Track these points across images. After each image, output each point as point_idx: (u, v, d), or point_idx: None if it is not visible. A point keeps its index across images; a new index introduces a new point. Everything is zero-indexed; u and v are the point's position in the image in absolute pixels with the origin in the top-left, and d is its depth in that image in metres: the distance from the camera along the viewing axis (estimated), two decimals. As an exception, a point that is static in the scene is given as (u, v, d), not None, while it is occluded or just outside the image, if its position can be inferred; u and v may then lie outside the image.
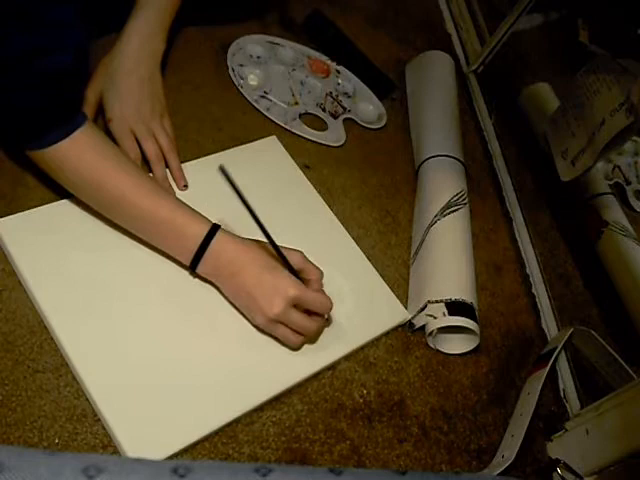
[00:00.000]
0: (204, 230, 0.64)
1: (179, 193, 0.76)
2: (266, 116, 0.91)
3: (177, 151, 0.77)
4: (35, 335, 0.62)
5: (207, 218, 0.66)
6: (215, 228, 0.65)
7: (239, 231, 0.75)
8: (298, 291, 0.64)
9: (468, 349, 0.78)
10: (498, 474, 0.67)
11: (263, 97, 0.93)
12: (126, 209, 0.64)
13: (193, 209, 0.66)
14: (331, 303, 0.67)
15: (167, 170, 0.76)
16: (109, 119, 0.74)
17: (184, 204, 0.66)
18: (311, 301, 0.65)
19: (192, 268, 0.66)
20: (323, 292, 0.68)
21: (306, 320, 0.66)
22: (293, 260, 0.67)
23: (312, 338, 0.69)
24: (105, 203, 0.65)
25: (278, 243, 0.66)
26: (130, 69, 0.75)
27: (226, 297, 0.68)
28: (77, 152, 0.62)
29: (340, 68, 1.04)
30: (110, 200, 0.64)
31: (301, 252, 0.68)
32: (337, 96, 1.00)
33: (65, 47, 0.60)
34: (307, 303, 0.65)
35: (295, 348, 0.68)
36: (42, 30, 0.57)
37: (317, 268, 0.69)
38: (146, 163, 0.75)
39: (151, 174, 0.75)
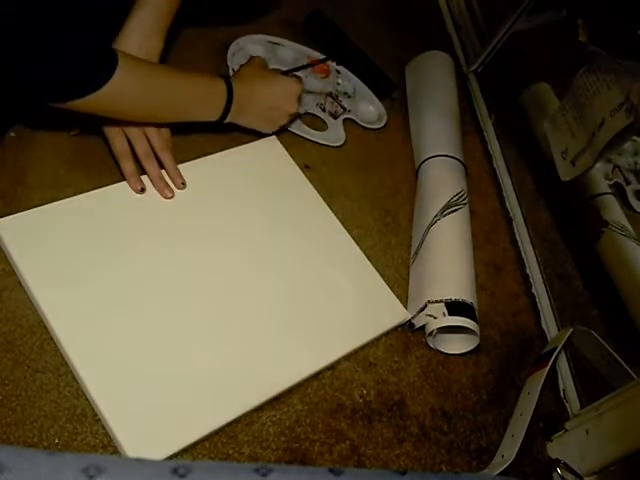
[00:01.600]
0: (224, 87, 0.76)
1: (177, 192, 0.76)
2: (266, 116, 0.91)
3: (171, 151, 0.77)
4: (35, 335, 0.62)
5: (217, 75, 0.77)
6: (229, 82, 0.76)
7: (239, 231, 0.75)
8: (300, 84, 0.84)
9: (468, 349, 0.78)
10: (498, 474, 0.67)
11: (263, 97, 0.93)
12: (167, 107, 0.73)
13: (206, 74, 0.76)
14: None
15: (163, 170, 0.77)
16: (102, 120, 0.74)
17: (197, 73, 0.75)
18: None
19: (221, 120, 0.79)
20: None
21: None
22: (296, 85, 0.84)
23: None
24: (153, 105, 0.71)
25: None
26: None
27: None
28: (120, 92, 0.65)
29: (340, 68, 1.04)
30: (157, 108, 0.72)
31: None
32: (337, 96, 1.00)
33: None
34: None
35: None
36: None
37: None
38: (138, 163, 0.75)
39: (145, 175, 0.75)
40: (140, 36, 0.75)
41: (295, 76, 0.86)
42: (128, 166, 0.73)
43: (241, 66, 0.84)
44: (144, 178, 0.74)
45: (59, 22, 0.59)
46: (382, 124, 1.01)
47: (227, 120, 0.79)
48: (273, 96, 0.82)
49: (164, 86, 0.71)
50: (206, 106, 0.77)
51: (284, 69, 0.88)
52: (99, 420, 0.59)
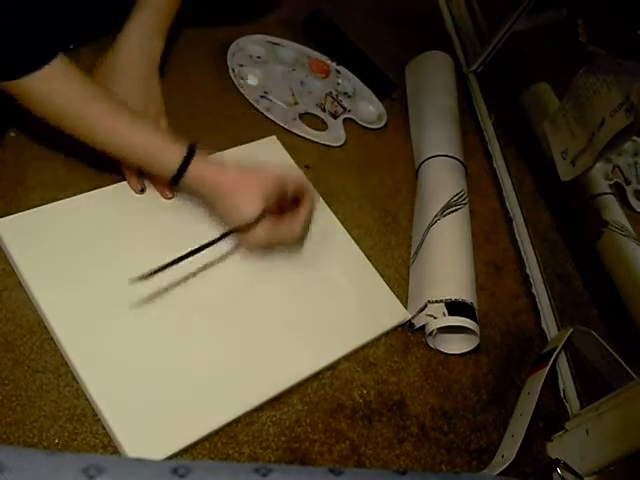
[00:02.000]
0: (180, 155, 0.65)
1: (178, 193, 0.76)
2: (266, 116, 0.91)
3: None
4: (35, 335, 0.62)
5: (185, 142, 0.66)
6: (191, 152, 0.66)
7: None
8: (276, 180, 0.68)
9: (468, 349, 0.78)
10: (498, 474, 0.67)
11: (263, 97, 0.93)
12: (103, 138, 0.65)
13: (171, 135, 0.67)
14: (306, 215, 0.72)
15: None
16: None
17: (162, 131, 0.68)
18: (291, 182, 0.69)
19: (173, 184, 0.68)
20: (309, 195, 0.72)
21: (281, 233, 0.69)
22: (270, 179, 0.68)
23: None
24: (82, 133, 0.65)
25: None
26: (126, 70, 0.75)
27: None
28: (52, 83, 0.62)
29: (340, 68, 1.04)
30: (87, 130, 0.65)
31: (276, 167, 0.70)
32: (337, 96, 1.00)
33: None
34: (288, 185, 0.68)
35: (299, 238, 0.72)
36: None
37: (295, 173, 0.73)
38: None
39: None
40: (140, 37, 0.75)
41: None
42: (128, 166, 0.73)
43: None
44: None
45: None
46: (382, 124, 1.01)
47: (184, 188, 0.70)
48: (239, 183, 0.67)
49: (102, 113, 0.64)
50: (148, 165, 0.68)
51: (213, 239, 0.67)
52: (99, 420, 0.59)
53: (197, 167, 0.66)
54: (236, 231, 0.67)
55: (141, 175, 0.74)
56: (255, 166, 0.68)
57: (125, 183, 0.73)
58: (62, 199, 0.69)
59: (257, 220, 0.66)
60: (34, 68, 0.61)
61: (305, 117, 0.95)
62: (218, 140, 0.85)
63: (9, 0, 0.58)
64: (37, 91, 0.62)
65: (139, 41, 0.75)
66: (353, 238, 0.82)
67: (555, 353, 0.78)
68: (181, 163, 0.65)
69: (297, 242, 0.71)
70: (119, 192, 0.72)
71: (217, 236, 0.66)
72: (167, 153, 0.66)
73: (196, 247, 0.64)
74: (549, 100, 1.15)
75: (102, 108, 0.64)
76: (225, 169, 0.67)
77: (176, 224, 0.73)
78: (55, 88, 0.63)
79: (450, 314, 0.75)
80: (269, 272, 0.74)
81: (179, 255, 0.63)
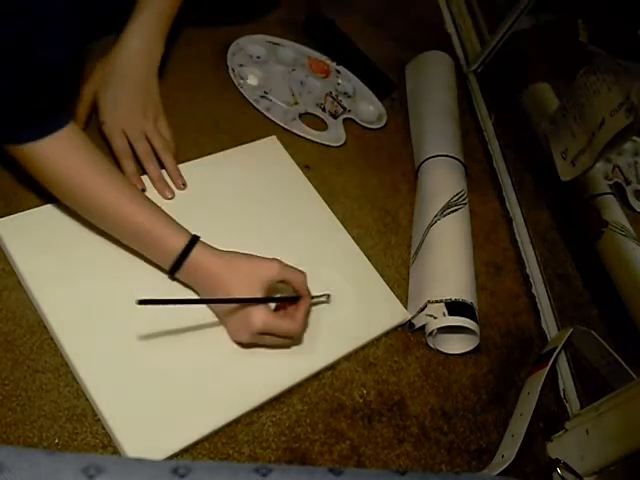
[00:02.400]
0: (182, 243, 0.63)
1: (178, 192, 0.76)
2: (266, 116, 0.91)
3: (173, 152, 0.77)
4: (35, 335, 0.62)
5: (187, 230, 0.65)
6: (194, 241, 0.64)
7: (239, 231, 0.75)
8: (264, 324, 0.63)
9: (468, 349, 0.78)
10: (498, 474, 0.67)
11: (263, 97, 0.93)
12: (104, 215, 0.63)
13: (174, 220, 0.65)
14: (300, 326, 0.66)
15: (164, 171, 0.76)
16: (102, 121, 0.74)
17: (165, 215, 0.65)
18: (276, 330, 0.64)
19: (171, 274, 0.66)
20: (305, 300, 0.67)
21: (276, 340, 0.65)
22: (270, 274, 0.65)
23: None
24: (83, 207, 0.64)
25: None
26: (126, 72, 0.75)
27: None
28: (56, 152, 0.61)
29: (340, 68, 1.04)
30: (88, 204, 0.63)
31: (277, 261, 0.66)
32: (337, 96, 1.00)
33: (59, 43, 0.59)
34: (273, 331, 0.64)
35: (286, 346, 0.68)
36: (39, 23, 0.56)
37: (298, 272, 0.67)
38: (139, 164, 0.75)
39: (144, 175, 0.75)
40: (140, 39, 0.75)
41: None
42: (129, 166, 0.73)
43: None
44: (144, 178, 0.74)
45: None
46: (382, 124, 1.01)
47: (180, 278, 0.67)
48: (230, 310, 0.64)
49: (105, 191, 0.62)
50: (148, 249, 0.65)
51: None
52: (99, 420, 0.59)
53: (198, 254, 0.64)
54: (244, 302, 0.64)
55: (142, 175, 0.74)
56: (252, 257, 0.66)
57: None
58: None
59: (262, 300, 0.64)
60: (47, 132, 0.59)
61: (305, 117, 0.95)
62: (218, 140, 0.85)
63: (25, 63, 0.56)
64: (45, 158, 0.60)
65: (139, 43, 0.75)
66: (353, 238, 0.82)
67: (555, 353, 0.78)
68: (182, 250, 0.63)
69: (296, 336, 0.68)
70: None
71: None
72: (170, 239, 0.63)
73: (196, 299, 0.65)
74: (549, 100, 1.15)
75: (109, 182, 0.62)
76: (226, 260, 0.64)
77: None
78: (64, 157, 0.61)
79: (450, 314, 0.75)
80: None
81: (182, 299, 0.62)
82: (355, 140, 0.97)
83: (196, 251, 0.63)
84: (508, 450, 0.70)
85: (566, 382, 0.81)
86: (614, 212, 1.01)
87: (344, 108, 0.99)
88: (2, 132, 0.60)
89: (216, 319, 0.67)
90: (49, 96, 0.61)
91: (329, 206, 0.84)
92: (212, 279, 0.64)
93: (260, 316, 0.63)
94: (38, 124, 0.59)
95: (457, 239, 0.84)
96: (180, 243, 0.63)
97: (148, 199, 0.65)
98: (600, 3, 0.90)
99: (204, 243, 0.65)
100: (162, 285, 0.67)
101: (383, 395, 0.72)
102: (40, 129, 0.59)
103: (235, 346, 0.66)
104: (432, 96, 1.04)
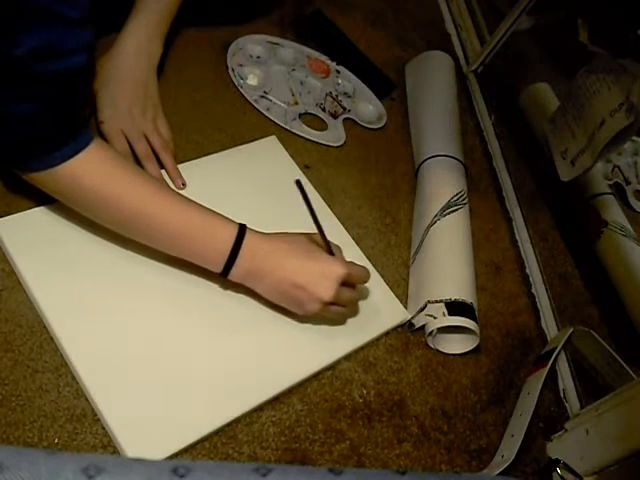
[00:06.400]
0: (233, 232, 0.63)
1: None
2: (266, 116, 0.91)
3: (172, 152, 0.77)
4: (35, 335, 0.62)
5: (231, 219, 0.64)
6: (243, 228, 0.64)
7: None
8: (345, 269, 0.65)
9: (468, 349, 0.78)
10: (498, 474, 0.67)
11: (263, 97, 0.93)
12: (148, 222, 0.61)
13: (217, 212, 0.64)
14: (368, 271, 0.71)
15: (164, 171, 0.76)
16: (101, 121, 0.74)
17: (208, 208, 0.64)
18: (356, 274, 0.68)
19: (224, 274, 0.64)
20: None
21: (354, 292, 0.69)
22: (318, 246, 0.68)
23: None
24: (124, 219, 0.61)
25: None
26: (125, 73, 0.75)
27: (261, 298, 0.68)
28: (91, 167, 0.58)
29: (340, 68, 1.04)
30: (130, 215, 0.61)
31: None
32: (337, 96, 1.00)
33: (79, 47, 0.54)
34: (352, 277, 0.67)
35: (342, 322, 0.72)
36: (56, 28, 0.51)
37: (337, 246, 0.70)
38: (138, 164, 0.75)
39: None
40: (139, 39, 0.75)
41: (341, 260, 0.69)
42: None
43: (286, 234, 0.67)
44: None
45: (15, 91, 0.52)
46: (382, 124, 1.01)
47: (234, 278, 0.65)
48: (305, 274, 0.64)
49: (141, 197, 0.60)
50: (199, 246, 0.63)
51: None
52: (99, 420, 0.59)
53: (252, 239, 0.63)
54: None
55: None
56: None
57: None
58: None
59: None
60: (80, 149, 0.57)
61: (305, 117, 0.95)
62: (218, 140, 0.85)
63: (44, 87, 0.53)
64: (78, 177, 0.58)
65: (138, 43, 0.75)
66: (353, 238, 0.82)
67: (555, 353, 0.78)
68: (236, 237, 0.62)
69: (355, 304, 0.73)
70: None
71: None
72: (221, 229, 0.63)
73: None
74: (549, 100, 1.15)
75: (147, 189, 0.60)
76: (279, 239, 0.65)
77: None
78: (100, 170, 0.59)
79: (450, 314, 0.75)
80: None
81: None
82: (355, 140, 0.97)
83: (249, 237, 0.63)
84: (508, 450, 0.70)
85: (566, 382, 0.81)
86: (614, 212, 1.01)
87: (344, 108, 0.99)
88: (30, 157, 0.57)
89: (216, 319, 0.67)
90: (78, 107, 0.58)
91: (329, 206, 0.84)
92: (274, 253, 0.64)
93: (342, 261, 0.67)
94: (70, 141, 0.57)
95: (457, 239, 0.84)
96: (231, 231, 0.63)
97: (185, 197, 0.64)
98: (600, 3, 0.91)
99: (252, 229, 0.65)
100: (162, 284, 0.67)
101: (383, 395, 0.72)
102: (74, 145, 0.57)
103: (235, 346, 0.66)
104: (432, 96, 1.04)
